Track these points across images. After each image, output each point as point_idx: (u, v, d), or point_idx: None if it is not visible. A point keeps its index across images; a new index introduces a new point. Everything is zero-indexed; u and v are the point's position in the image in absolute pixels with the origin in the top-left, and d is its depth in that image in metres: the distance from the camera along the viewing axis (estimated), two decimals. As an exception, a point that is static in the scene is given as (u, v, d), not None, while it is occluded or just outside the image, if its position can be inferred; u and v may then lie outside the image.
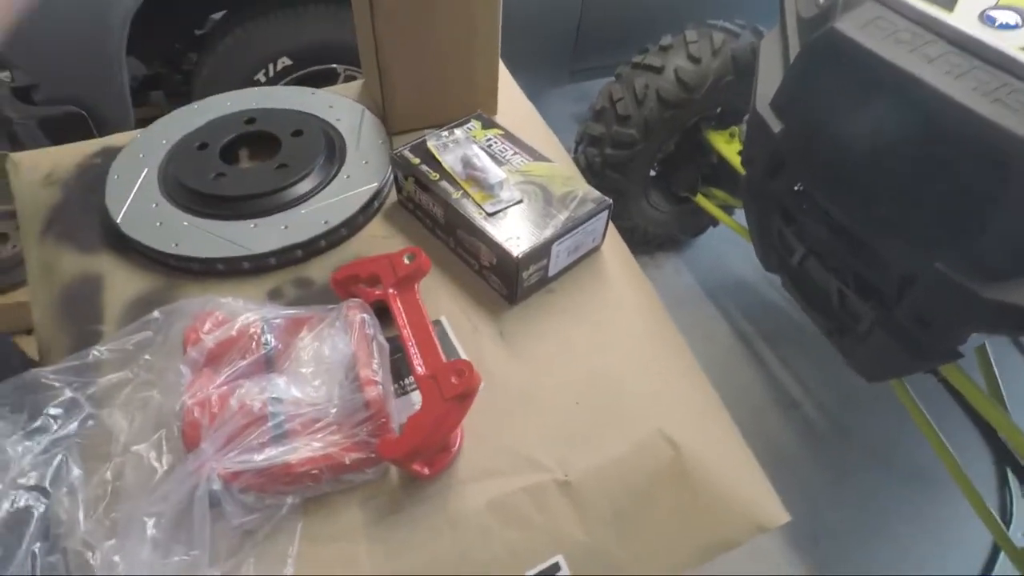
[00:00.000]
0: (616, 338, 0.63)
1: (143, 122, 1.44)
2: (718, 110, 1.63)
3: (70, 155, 0.76)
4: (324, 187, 0.70)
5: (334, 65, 1.49)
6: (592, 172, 1.62)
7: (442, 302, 0.64)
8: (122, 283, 0.64)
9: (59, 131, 1.28)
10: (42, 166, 0.74)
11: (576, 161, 1.68)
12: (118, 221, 0.65)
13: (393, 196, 0.74)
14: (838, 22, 0.91)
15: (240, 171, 0.72)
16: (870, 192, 0.93)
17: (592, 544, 0.50)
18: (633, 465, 0.53)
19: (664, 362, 0.62)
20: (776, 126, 1.06)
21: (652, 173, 1.75)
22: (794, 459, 1.52)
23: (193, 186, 0.67)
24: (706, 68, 1.46)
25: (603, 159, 1.58)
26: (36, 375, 0.51)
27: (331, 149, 0.74)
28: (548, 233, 0.61)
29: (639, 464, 0.54)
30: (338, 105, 0.81)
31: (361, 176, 0.72)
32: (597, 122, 1.58)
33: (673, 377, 0.60)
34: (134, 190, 0.68)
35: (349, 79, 1.51)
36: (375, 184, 0.71)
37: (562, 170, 0.68)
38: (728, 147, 1.56)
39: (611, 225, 0.70)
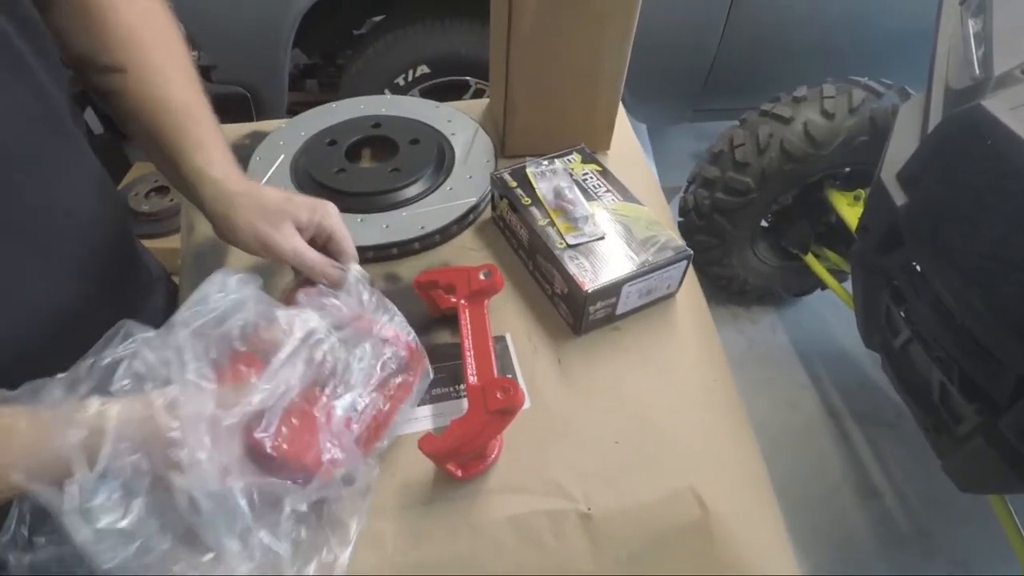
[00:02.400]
0: (670, 386, 0.63)
1: (294, 105, 1.63)
2: (846, 170, 1.55)
3: (228, 134, 0.88)
4: (428, 194, 0.77)
5: (467, 78, 1.58)
6: (700, 214, 1.60)
7: (510, 319, 0.68)
8: (243, 252, 0.74)
9: (224, 109, 1.46)
10: (204, 140, 0.87)
11: (685, 201, 1.66)
12: (252, 197, 0.75)
13: (487, 213, 0.79)
14: (987, 99, 0.85)
15: (359, 169, 0.80)
16: (993, 284, 0.85)
17: (600, 581, 0.51)
18: (658, 515, 0.54)
19: (714, 420, 0.61)
20: (900, 198, 1.00)
21: (764, 224, 1.69)
22: (862, 552, 1.41)
23: (317, 177, 0.76)
24: (839, 125, 1.39)
25: (712, 203, 1.55)
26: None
27: (441, 160, 0.80)
28: (622, 273, 0.63)
29: (664, 516, 0.54)
30: (456, 120, 0.87)
31: (463, 189, 0.78)
32: (713, 164, 1.56)
33: (719, 437, 0.60)
34: (269, 173, 0.78)
35: (479, 93, 1.60)
36: (474, 199, 0.76)
37: (650, 214, 0.70)
38: (850, 210, 1.47)
39: (692, 275, 0.71)
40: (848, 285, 1.56)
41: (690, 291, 0.72)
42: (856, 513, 1.47)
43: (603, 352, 0.65)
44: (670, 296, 0.70)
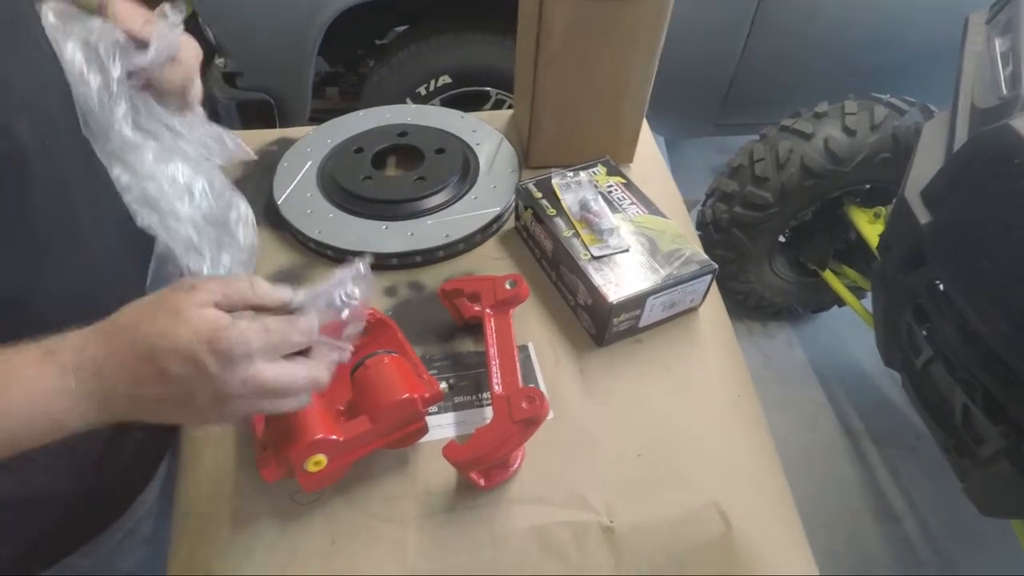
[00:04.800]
0: (693, 400, 0.63)
1: (315, 112, 1.65)
2: (867, 187, 1.54)
3: (255, 139, 0.89)
4: (452, 203, 0.77)
5: (488, 88, 1.60)
6: (717, 228, 1.59)
7: (533, 329, 0.68)
8: (272, 254, 0.75)
9: (249, 114, 1.49)
10: (233, 145, 0.88)
11: (703, 214, 1.66)
12: (279, 203, 0.76)
13: (511, 222, 0.79)
14: (1015, 119, 0.84)
15: (385, 177, 0.81)
16: (1020, 304, 0.84)
17: (622, 595, 0.51)
18: (680, 531, 0.54)
19: (738, 436, 0.61)
20: (924, 216, 0.99)
21: (781, 239, 1.68)
22: (881, 577, 1.38)
23: (343, 184, 0.77)
24: (860, 142, 1.39)
25: (731, 217, 1.55)
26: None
27: (466, 170, 0.81)
28: (646, 286, 0.63)
29: (686, 531, 0.54)
30: (481, 131, 0.88)
31: (487, 199, 0.78)
32: (732, 179, 1.55)
33: (743, 453, 0.60)
34: (296, 179, 0.79)
35: (499, 103, 1.61)
36: (498, 209, 0.77)
37: (675, 227, 0.70)
38: (870, 227, 1.46)
39: (715, 290, 0.71)
40: (867, 302, 1.55)
41: (713, 305, 0.72)
42: (874, 537, 1.44)
43: (626, 364, 0.65)
44: (693, 310, 0.70)
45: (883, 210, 1.46)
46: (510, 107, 1.70)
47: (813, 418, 1.67)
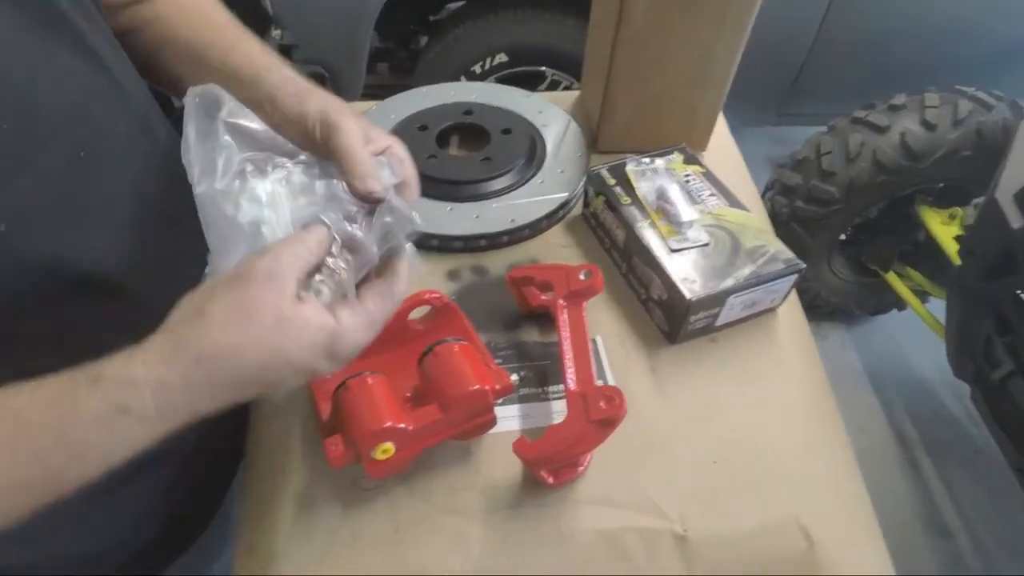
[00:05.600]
0: (771, 405, 0.59)
1: (366, 87, 1.63)
2: (941, 185, 1.46)
3: (317, 113, 0.88)
4: (518, 187, 0.75)
5: (544, 68, 1.55)
6: (776, 222, 1.52)
7: (600, 322, 0.65)
8: (333, 232, 0.73)
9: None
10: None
11: (761, 207, 1.59)
12: (343, 179, 0.75)
13: (578, 209, 0.76)
14: None
15: (449, 157, 0.78)
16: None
17: (694, 609, 0.49)
18: (758, 545, 0.51)
19: (818, 445, 0.57)
20: (1016, 220, 0.93)
21: (843, 237, 1.61)
22: (932, 594, 1.33)
23: (408, 162, 0.75)
24: (940, 138, 1.31)
25: (791, 211, 1.49)
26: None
27: (532, 152, 0.78)
28: (727, 284, 0.59)
29: (765, 547, 0.51)
30: (547, 112, 0.85)
31: (554, 184, 0.75)
32: (795, 171, 1.48)
33: (825, 464, 0.56)
34: (361, 155, 0.77)
35: (554, 84, 1.57)
36: (565, 194, 0.74)
37: (757, 222, 0.65)
38: (943, 229, 1.38)
39: (794, 290, 0.67)
40: (932, 308, 1.47)
41: (791, 306, 0.68)
42: (925, 552, 1.39)
43: (699, 364, 0.62)
44: (771, 310, 0.66)
45: (960, 211, 1.38)
46: (566, 88, 1.66)
47: (865, 423, 1.61)
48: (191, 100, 0.42)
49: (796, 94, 1.66)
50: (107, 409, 0.30)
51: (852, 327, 1.81)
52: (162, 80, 0.50)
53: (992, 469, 1.36)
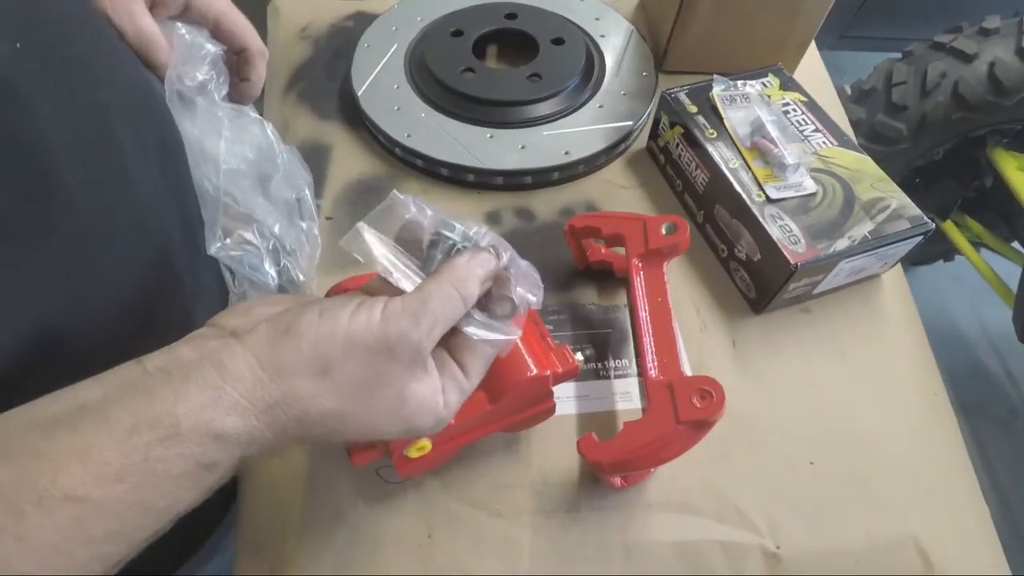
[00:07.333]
0: (877, 394, 0.49)
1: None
2: (1020, 127, 1.30)
3: (327, 12, 0.73)
4: (573, 112, 0.61)
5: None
6: (829, 160, 1.38)
7: (669, 284, 0.54)
8: (348, 159, 0.61)
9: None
10: (300, 18, 0.72)
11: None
12: (359, 95, 0.61)
13: (641, 141, 0.63)
14: None
15: (489, 70, 0.64)
16: None
17: (787, 640, 0.41)
18: (868, 567, 0.42)
19: (937, 448, 0.48)
20: None
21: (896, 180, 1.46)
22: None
23: (439, 76, 0.61)
24: (1036, 70, 1.14)
25: (849, 149, 1.33)
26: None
27: (589, 69, 0.64)
28: (841, 245, 0.48)
29: (874, 567, 0.42)
30: (606, 19, 0.70)
31: (615, 109, 0.62)
32: (858, 103, 1.32)
33: (944, 471, 0.47)
34: (380, 65, 0.64)
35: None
36: (629, 123, 0.61)
37: (874, 167, 0.53)
38: (1020, 175, 1.24)
39: (901, 251, 0.55)
40: (990, 260, 1.36)
41: (896, 272, 0.57)
42: (953, 512, 1.34)
43: (790, 338, 0.52)
44: (876, 276, 0.55)
45: (1042, 157, 1.23)
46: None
47: (898, 380, 1.53)
48: None
49: (865, 15, 1.47)
50: (190, 470, 0.25)
51: (892, 276, 1.70)
52: None
53: (1026, 431, 1.30)
